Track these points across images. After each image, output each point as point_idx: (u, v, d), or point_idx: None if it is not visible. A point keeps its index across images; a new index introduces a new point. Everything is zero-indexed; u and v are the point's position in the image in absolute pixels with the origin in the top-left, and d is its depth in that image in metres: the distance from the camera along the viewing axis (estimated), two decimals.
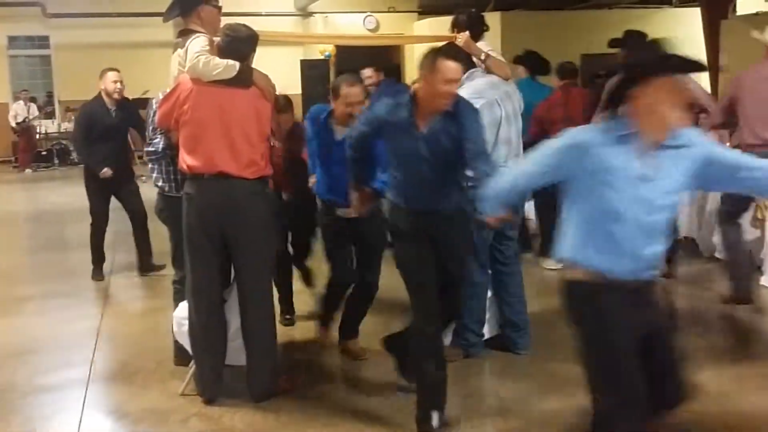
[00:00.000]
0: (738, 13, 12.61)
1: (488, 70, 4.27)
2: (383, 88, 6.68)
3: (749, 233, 5.40)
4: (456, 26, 4.49)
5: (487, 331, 4.37)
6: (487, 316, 4.35)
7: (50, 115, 16.32)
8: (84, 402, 3.93)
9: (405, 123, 3.37)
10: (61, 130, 15.67)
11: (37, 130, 15.43)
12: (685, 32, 15.31)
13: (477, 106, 4.04)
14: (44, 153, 15.39)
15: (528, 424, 3.41)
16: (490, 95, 4.14)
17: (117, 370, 4.37)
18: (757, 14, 11.87)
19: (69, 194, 11.80)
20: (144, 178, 7.19)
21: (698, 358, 4.25)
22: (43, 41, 16.39)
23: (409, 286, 3.48)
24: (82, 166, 6.47)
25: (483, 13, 4.67)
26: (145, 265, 6.37)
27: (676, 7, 16.97)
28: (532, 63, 6.71)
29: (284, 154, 4.72)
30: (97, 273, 6.34)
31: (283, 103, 4.75)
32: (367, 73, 6.70)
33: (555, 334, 4.22)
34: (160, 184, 4.17)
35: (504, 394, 3.88)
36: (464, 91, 4.15)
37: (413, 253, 3.46)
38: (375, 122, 3.53)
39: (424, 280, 3.43)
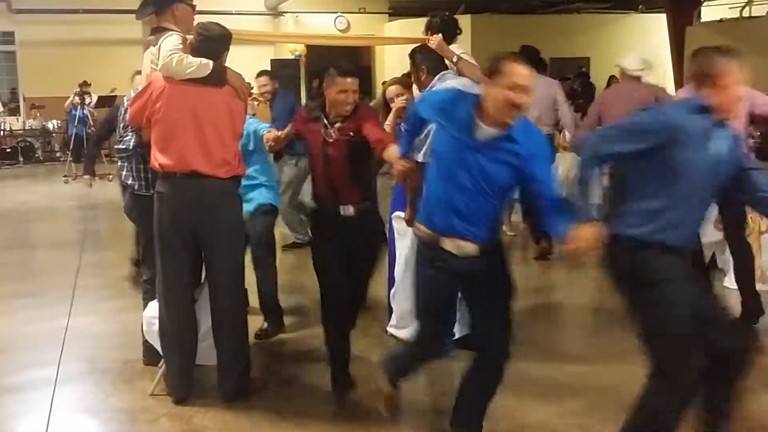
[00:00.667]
0: (703, 20, 12.84)
1: (460, 73, 4.32)
2: (281, 96, 6.53)
3: (712, 235, 5.50)
4: (429, 29, 4.54)
5: (457, 331, 4.41)
6: (457, 315, 4.38)
7: (14, 112, 16.07)
8: (52, 402, 3.88)
9: (702, 131, 2.66)
10: (26, 128, 15.47)
11: (1, 127, 15.18)
12: (650, 38, 15.64)
13: None
14: (9, 150, 15.12)
15: (497, 422, 3.45)
16: None
17: (85, 370, 4.32)
18: (721, 21, 12.10)
19: (34, 192, 11.65)
20: (111, 176, 7.10)
21: None
22: (8, 37, 16.11)
23: (673, 335, 2.75)
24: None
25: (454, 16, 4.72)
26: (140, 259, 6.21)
27: (642, 13, 17.25)
28: None
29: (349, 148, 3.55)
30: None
31: (346, 67, 3.58)
32: (263, 81, 6.41)
33: (523, 333, 4.24)
34: (129, 182, 4.15)
35: None
36: None
37: (687, 300, 2.76)
38: (665, 132, 2.68)
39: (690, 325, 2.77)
